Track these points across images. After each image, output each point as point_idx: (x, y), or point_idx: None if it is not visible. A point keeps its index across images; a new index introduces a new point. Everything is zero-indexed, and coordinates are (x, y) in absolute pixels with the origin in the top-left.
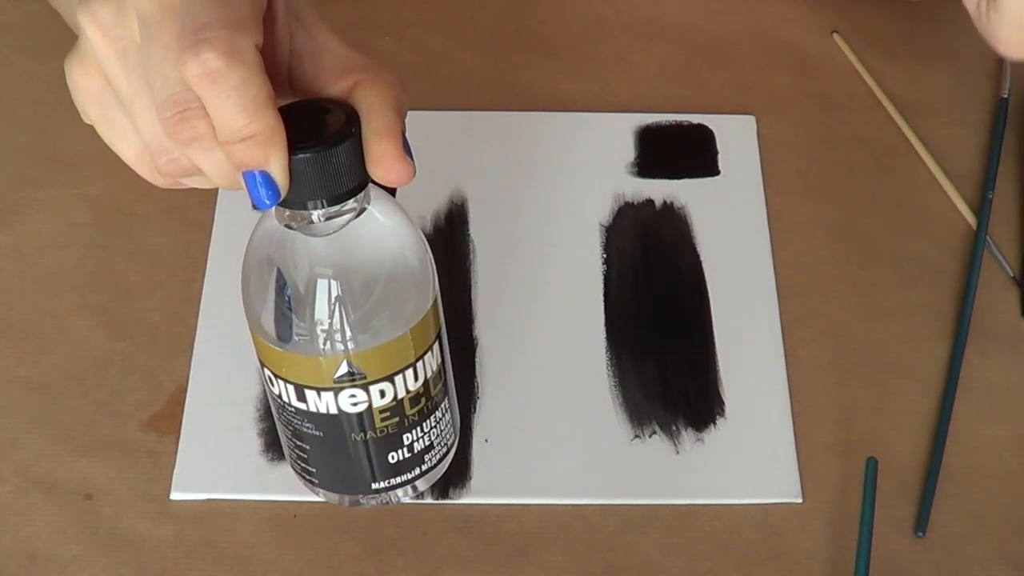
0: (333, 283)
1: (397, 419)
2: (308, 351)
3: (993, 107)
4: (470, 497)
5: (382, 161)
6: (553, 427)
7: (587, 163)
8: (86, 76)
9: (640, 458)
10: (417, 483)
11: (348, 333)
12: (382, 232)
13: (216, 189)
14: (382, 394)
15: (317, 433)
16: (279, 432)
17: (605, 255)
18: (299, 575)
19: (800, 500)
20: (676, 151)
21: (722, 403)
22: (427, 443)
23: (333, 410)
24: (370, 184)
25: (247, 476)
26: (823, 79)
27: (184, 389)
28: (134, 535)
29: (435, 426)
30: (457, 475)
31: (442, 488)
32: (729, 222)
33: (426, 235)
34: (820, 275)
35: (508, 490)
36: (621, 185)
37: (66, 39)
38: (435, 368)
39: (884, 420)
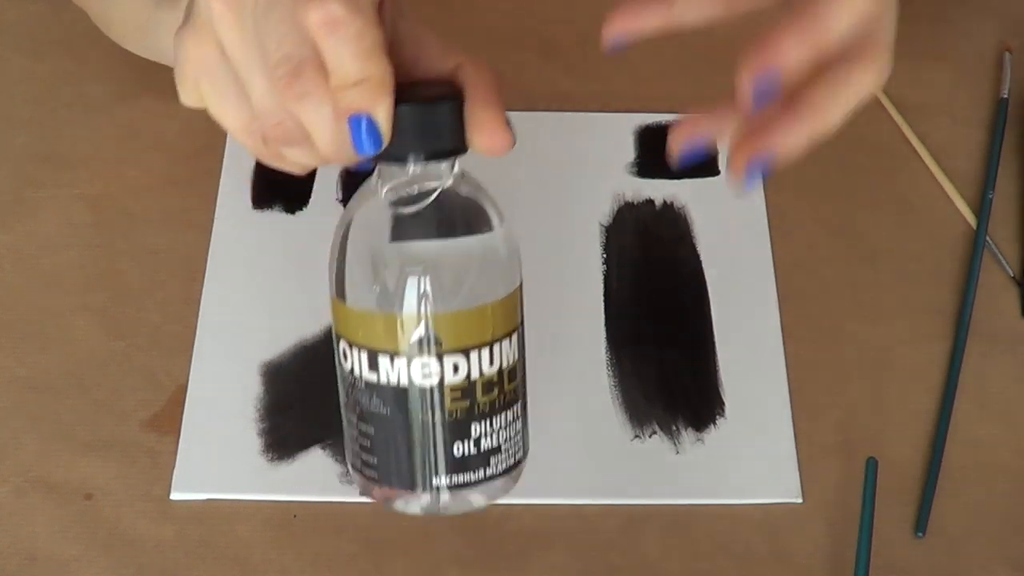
0: (420, 244)
1: (468, 403)
2: (388, 308)
3: (993, 107)
4: None
5: (486, 126)
6: (553, 427)
7: (587, 163)
8: (200, 46)
9: (640, 458)
10: (475, 492)
11: (430, 292)
12: (470, 207)
13: (216, 190)
14: (455, 368)
15: (384, 411)
16: (343, 426)
17: (605, 255)
18: (299, 575)
19: (800, 500)
20: None
21: (722, 403)
22: (495, 443)
23: (404, 382)
24: (459, 166)
25: (247, 476)
26: None
27: (184, 389)
28: (134, 535)
29: (505, 428)
30: None
31: None
32: (729, 222)
33: None
34: (820, 275)
35: None
36: (621, 185)
37: (66, 39)
38: (512, 360)
39: (884, 420)
